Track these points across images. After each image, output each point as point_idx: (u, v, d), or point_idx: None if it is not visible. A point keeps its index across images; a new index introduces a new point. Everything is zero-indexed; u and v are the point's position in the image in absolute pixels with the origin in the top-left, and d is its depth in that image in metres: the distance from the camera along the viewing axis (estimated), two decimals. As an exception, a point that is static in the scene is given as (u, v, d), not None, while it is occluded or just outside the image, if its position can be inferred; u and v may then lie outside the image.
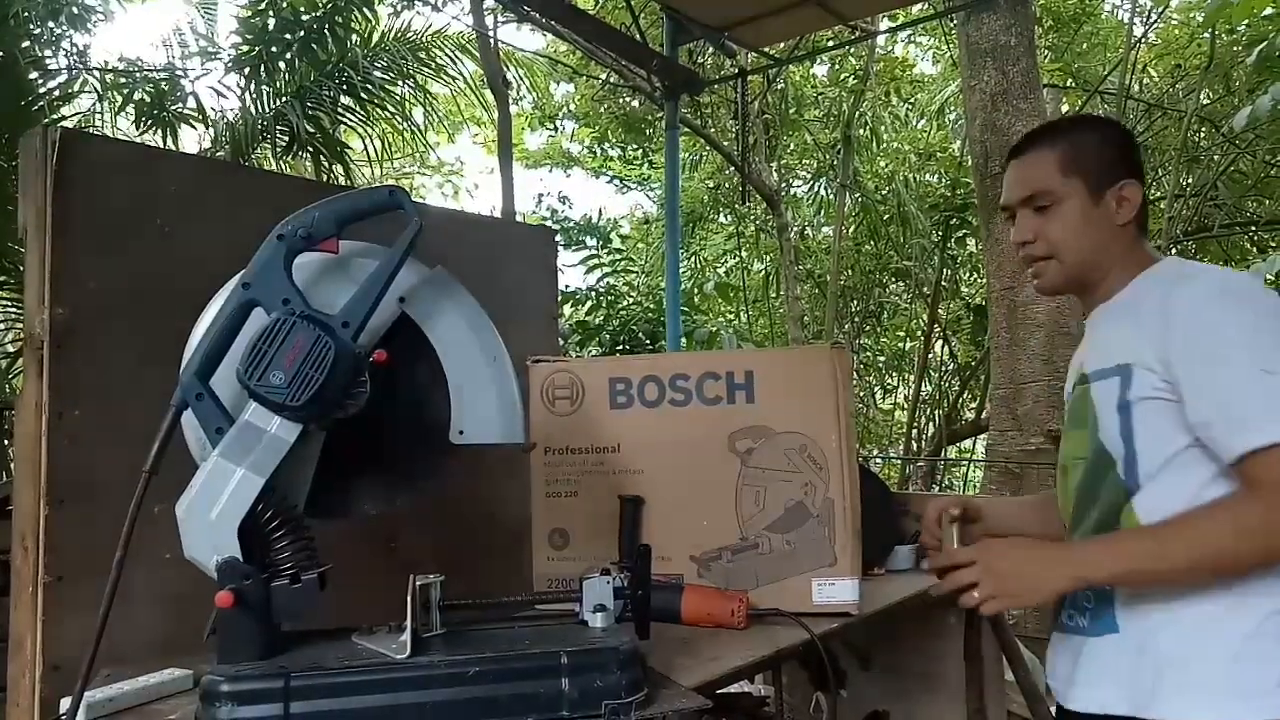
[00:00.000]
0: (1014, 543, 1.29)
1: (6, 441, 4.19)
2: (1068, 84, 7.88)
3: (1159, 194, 6.51)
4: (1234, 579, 1.14)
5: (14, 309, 4.78)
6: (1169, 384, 1.17)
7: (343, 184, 5.28)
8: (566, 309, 6.43)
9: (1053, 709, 1.42)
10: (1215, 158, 6.23)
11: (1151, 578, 1.19)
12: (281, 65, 5.69)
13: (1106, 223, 1.31)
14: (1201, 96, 5.91)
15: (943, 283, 8.41)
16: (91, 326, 1.38)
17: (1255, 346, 1.12)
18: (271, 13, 5.61)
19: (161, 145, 5.28)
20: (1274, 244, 6.22)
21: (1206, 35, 5.88)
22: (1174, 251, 6.12)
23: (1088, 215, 1.30)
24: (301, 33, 5.61)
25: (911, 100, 10.07)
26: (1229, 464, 1.13)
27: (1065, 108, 8.01)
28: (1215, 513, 1.14)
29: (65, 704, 1.07)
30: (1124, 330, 1.26)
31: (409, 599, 1.15)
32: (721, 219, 10.37)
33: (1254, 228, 6.43)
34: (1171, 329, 1.17)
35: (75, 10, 5.62)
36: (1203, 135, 6.35)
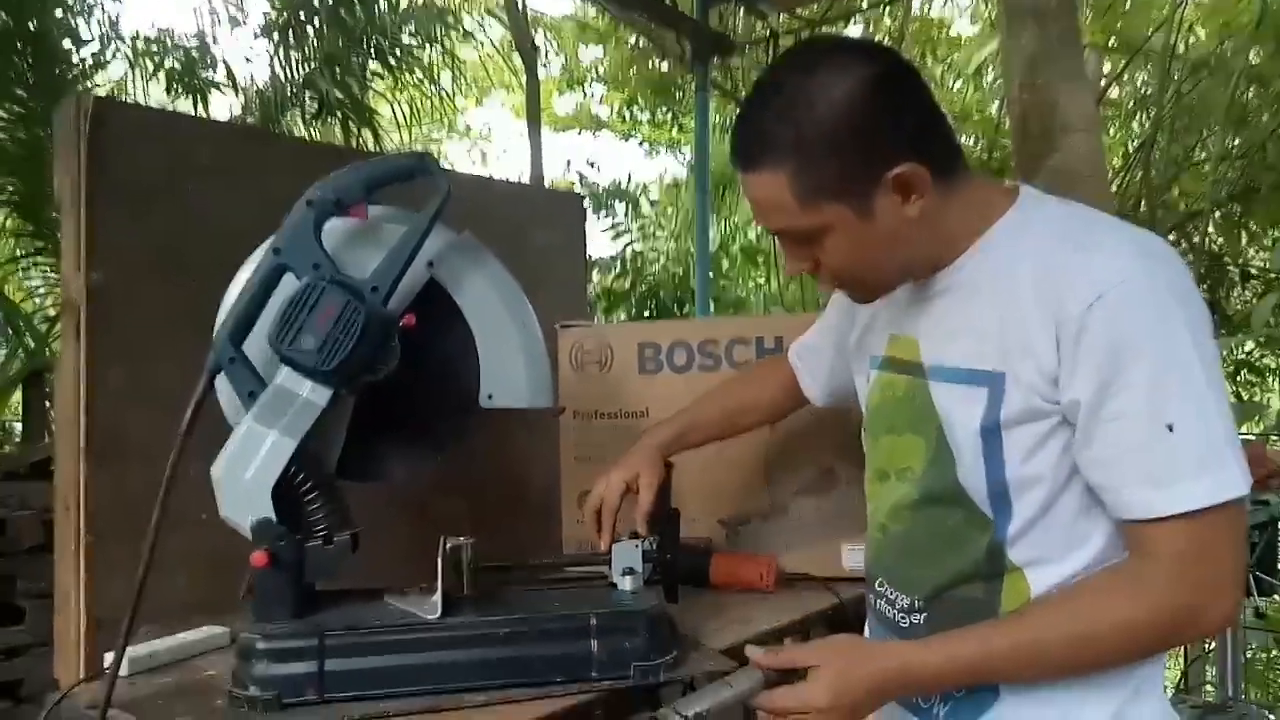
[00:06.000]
0: (866, 664, 0.95)
1: (49, 404, 4.29)
2: (1110, 44, 7.65)
3: (1204, 155, 6.32)
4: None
5: (53, 275, 4.87)
6: (1057, 405, 0.90)
7: (371, 150, 5.28)
8: (594, 275, 6.41)
9: None
10: (1264, 118, 6.03)
11: (1015, 679, 0.96)
12: (310, 31, 5.68)
13: (898, 223, 0.94)
14: (1251, 55, 5.70)
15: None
16: (127, 291, 1.39)
17: (1163, 391, 0.85)
18: (300, -22, 5.59)
19: (192, 112, 5.31)
20: (1324, 206, 6.03)
21: (1257, -9, 5.67)
22: (1218, 216, 5.95)
23: (866, 236, 0.94)
24: (330, -1, 5.60)
25: (948, 61, 9.83)
26: (1120, 523, 0.91)
27: (1107, 68, 7.78)
28: (1106, 598, 0.90)
29: (109, 658, 1.10)
30: (984, 317, 0.95)
31: (439, 561, 1.16)
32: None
33: (1304, 189, 6.23)
34: (1080, 346, 0.87)
35: (107, -22, 5.64)
36: (1251, 95, 6.15)
